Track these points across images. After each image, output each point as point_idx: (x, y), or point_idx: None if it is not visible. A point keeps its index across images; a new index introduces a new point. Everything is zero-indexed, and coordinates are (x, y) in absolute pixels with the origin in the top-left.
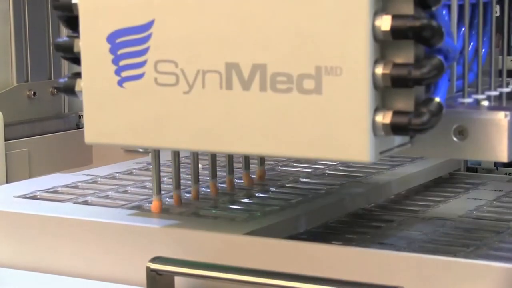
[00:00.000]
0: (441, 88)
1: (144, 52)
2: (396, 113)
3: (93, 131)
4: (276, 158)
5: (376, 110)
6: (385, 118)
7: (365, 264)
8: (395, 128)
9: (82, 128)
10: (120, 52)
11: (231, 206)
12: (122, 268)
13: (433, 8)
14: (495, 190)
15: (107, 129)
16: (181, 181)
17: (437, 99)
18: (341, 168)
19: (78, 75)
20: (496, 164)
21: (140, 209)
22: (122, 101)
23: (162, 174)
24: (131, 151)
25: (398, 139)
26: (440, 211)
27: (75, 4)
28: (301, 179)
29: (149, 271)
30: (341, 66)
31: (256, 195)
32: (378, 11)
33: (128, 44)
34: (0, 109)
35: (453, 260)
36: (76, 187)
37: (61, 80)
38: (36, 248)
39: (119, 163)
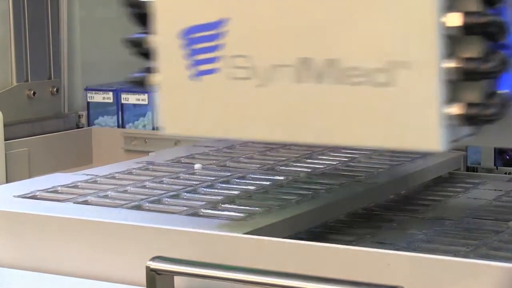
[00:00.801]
0: (506, 81)
1: (218, 47)
2: (467, 104)
3: (170, 122)
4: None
5: (448, 102)
6: (456, 109)
7: (365, 264)
8: (466, 119)
9: (81, 128)
10: (194, 47)
11: (231, 206)
12: (122, 268)
13: (498, 5)
14: (495, 190)
15: (182, 121)
16: (181, 181)
17: (505, 91)
18: (341, 168)
19: (148, 69)
20: (496, 163)
21: (140, 209)
22: (197, 94)
23: (162, 174)
24: (131, 151)
25: (465, 130)
26: (440, 211)
27: (147, 2)
28: (301, 179)
29: (149, 270)
30: (413, 60)
31: (256, 195)
32: (448, 8)
33: (203, 40)
34: (0, 108)
35: (453, 260)
36: (76, 186)
37: (135, 75)
38: (36, 248)
39: (119, 163)
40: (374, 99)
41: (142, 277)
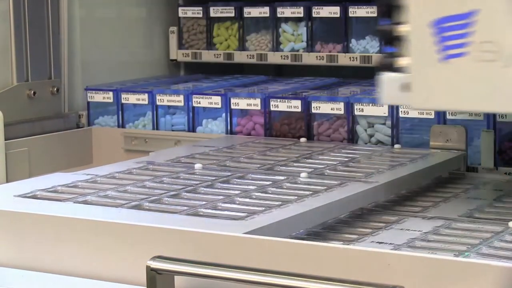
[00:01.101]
0: None
1: (467, 35)
2: None
3: (420, 99)
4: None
5: None
6: None
7: (365, 264)
8: None
9: (81, 127)
10: (444, 35)
11: (231, 206)
12: (122, 267)
13: None
14: (495, 190)
15: (432, 97)
16: (181, 181)
17: None
18: (341, 168)
19: (392, 54)
20: (496, 163)
21: (140, 209)
22: (446, 75)
23: (162, 173)
24: (131, 151)
25: None
26: (440, 211)
27: None
28: (301, 179)
29: (149, 270)
30: None
31: (256, 194)
32: None
33: (453, 29)
34: (0, 108)
35: (453, 260)
36: (76, 186)
37: (382, 59)
38: (36, 247)
39: (119, 163)
40: None
41: (142, 277)
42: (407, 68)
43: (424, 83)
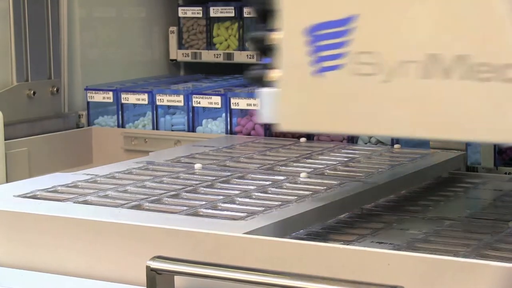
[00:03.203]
0: None
1: (344, 44)
2: None
3: (288, 119)
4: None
5: None
6: None
7: (365, 264)
8: None
9: (81, 127)
10: (319, 44)
11: (231, 206)
12: (122, 267)
13: None
14: (495, 190)
15: (302, 117)
16: (181, 181)
17: None
18: (341, 168)
19: (266, 66)
20: (496, 163)
21: (140, 209)
22: (319, 90)
23: (162, 173)
24: (131, 151)
25: None
26: (440, 211)
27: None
28: (301, 179)
29: (149, 270)
30: None
31: (256, 195)
32: None
33: (328, 37)
34: (0, 108)
35: (453, 260)
36: (76, 186)
37: (251, 71)
38: (36, 247)
39: (119, 163)
40: (503, 96)
41: (142, 277)
42: (277, 82)
43: (294, 100)
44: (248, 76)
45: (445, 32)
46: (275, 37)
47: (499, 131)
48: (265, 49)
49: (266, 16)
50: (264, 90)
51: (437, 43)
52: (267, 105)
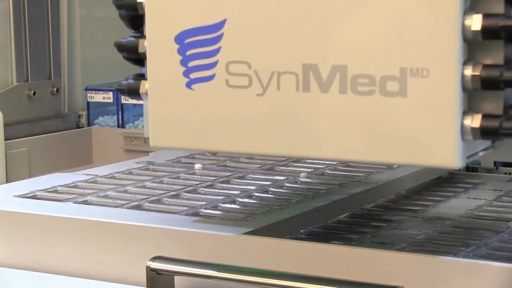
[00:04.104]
0: None
1: (214, 52)
2: (485, 116)
3: (159, 135)
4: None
5: (464, 114)
6: (474, 121)
7: (365, 264)
8: (485, 132)
9: (81, 127)
10: (189, 52)
11: (231, 206)
12: (122, 267)
13: None
14: (495, 190)
15: (174, 133)
16: (181, 181)
17: None
18: (341, 168)
19: (141, 76)
20: (496, 163)
21: (140, 209)
22: (191, 104)
23: (162, 174)
24: (131, 151)
25: (482, 144)
26: (440, 211)
27: (140, 3)
28: (301, 179)
29: (149, 270)
30: (428, 68)
31: (256, 195)
32: (467, 10)
33: (198, 45)
34: (0, 108)
35: (453, 260)
36: (76, 186)
37: (124, 82)
38: (36, 247)
39: (119, 163)
40: (384, 110)
41: (142, 277)
42: (147, 94)
43: (164, 114)
44: (119, 88)
45: (321, 40)
46: (145, 44)
47: (379, 151)
48: (137, 58)
49: (136, 21)
50: (144, 103)
51: (312, 53)
52: (145, 118)
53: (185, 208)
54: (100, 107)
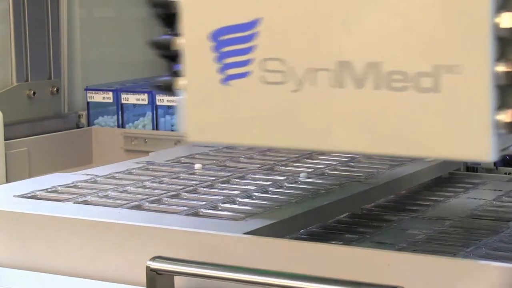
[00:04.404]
0: None
1: (250, 50)
2: None
3: (196, 130)
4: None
5: (497, 109)
6: (507, 116)
7: (365, 264)
8: None
9: (81, 127)
10: (224, 50)
11: (231, 206)
12: (122, 267)
13: None
14: (495, 190)
15: (210, 128)
16: (181, 181)
17: None
18: (341, 168)
19: (176, 73)
20: (496, 163)
21: (140, 209)
22: (226, 100)
23: (162, 174)
24: (131, 151)
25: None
26: (440, 211)
27: (174, 2)
28: (301, 179)
29: (149, 270)
30: (461, 64)
31: (256, 195)
32: (499, 8)
33: (233, 42)
34: (0, 108)
35: (453, 260)
36: (76, 186)
37: (160, 79)
38: (36, 247)
39: (119, 163)
40: (417, 106)
41: (142, 277)
42: (184, 91)
43: (201, 110)
44: (155, 85)
45: (356, 37)
46: (179, 42)
47: (413, 145)
48: (172, 56)
49: (170, 19)
50: (178, 99)
51: (347, 50)
52: (180, 115)
53: (185, 208)
54: (100, 107)
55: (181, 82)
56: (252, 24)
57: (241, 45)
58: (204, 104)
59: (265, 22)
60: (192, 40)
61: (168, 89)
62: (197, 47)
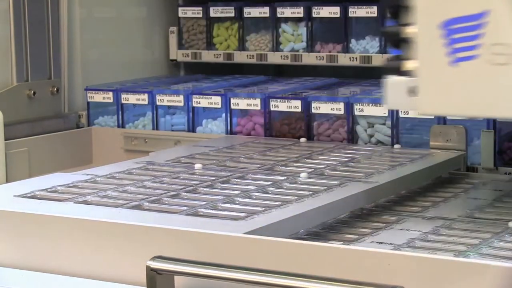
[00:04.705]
0: None
1: (478, 36)
2: None
3: (427, 103)
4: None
5: None
6: None
7: (365, 264)
8: None
9: (81, 127)
10: (454, 36)
11: (231, 206)
12: (122, 267)
13: None
14: (495, 190)
15: (439, 101)
16: (181, 181)
17: None
18: (341, 168)
19: (399, 57)
20: (496, 163)
21: (140, 209)
22: (455, 78)
23: (162, 174)
24: (131, 151)
25: None
26: (440, 211)
27: None
28: (301, 179)
29: (149, 270)
30: None
31: (256, 195)
32: None
33: (463, 30)
34: (0, 108)
35: (453, 260)
36: (76, 186)
37: (388, 62)
38: (36, 247)
39: (119, 163)
40: None
41: (142, 277)
42: (414, 72)
43: (432, 88)
44: (386, 66)
45: None
46: (410, 31)
47: None
48: (398, 42)
49: (398, 11)
50: (391, 79)
51: None
52: (395, 92)
53: (185, 208)
54: (100, 107)
55: (409, 64)
56: (480, 16)
57: (470, 33)
58: (434, 82)
59: (493, 14)
60: (424, 29)
61: (396, 71)
62: (429, 35)
